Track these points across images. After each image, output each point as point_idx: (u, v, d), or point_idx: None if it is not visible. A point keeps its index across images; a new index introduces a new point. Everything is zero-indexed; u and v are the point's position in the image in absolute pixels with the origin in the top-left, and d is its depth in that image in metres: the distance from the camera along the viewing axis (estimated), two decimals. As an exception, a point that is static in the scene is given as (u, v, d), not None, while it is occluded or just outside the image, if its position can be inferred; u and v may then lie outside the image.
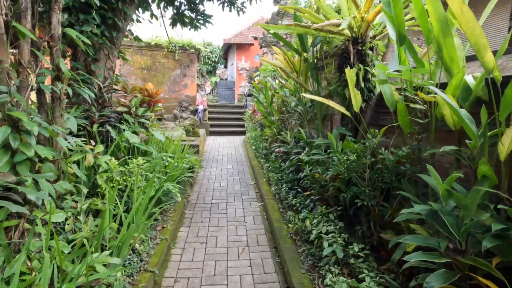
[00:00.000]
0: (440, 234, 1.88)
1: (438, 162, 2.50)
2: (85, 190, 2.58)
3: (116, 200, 2.74)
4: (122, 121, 4.15)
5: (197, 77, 13.68)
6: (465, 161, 2.12)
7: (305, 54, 4.26)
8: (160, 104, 9.73)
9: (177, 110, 10.97)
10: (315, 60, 4.12)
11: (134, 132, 4.20)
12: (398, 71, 2.47)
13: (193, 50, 11.69)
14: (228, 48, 21.69)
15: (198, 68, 14.24)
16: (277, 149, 5.18)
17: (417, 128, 2.47)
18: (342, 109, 2.81)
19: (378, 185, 2.61)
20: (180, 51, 11.63)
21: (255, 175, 5.74)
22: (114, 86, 4.61)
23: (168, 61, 11.71)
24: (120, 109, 4.19)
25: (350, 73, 2.67)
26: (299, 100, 4.61)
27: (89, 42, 2.82)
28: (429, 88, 2.39)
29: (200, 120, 11.08)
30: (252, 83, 13.56)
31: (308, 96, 3.04)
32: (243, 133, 11.69)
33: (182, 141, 6.86)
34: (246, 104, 13.00)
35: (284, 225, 3.38)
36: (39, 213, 1.96)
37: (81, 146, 2.64)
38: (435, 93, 2.20)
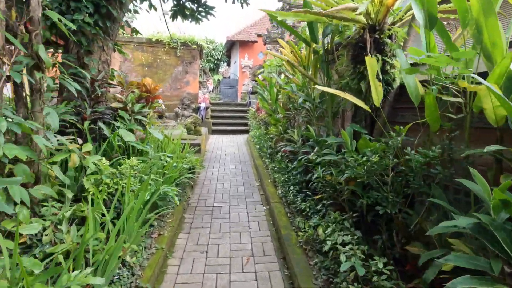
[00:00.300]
0: (487, 252, 1.56)
1: (472, 165, 2.17)
2: (69, 195, 2.28)
3: (106, 206, 2.44)
4: (117, 118, 3.86)
5: (200, 74, 13.40)
6: (510, 164, 1.79)
7: (314, 45, 3.93)
8: (160, 101, 9.44)
9: (178, 108, 10.69)
10: (325, 52, 3.79)
11: (130, 130, 3.90)
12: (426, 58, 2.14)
13: (195, 47, 11.39)
14: (231, 46, 21.38)
15: (201, 66, 13.96)
16: (283, 149, 4.86)
17: (449, 125, 2.13)
18: (360, 103, 2.48)
19: (401, 190, 2.28)
20: (182, 47, 11.34)
21: (259, 175, 5.43)
22: (110, 81, 4.31)
23: (169, 57, 11.42)
24: (115, 105, 3.89)
25: (370, 62, 2.35)
26: (308, 96, 4.29)
27: (73, 26, 2.52)
28: (463, 78, 2.07)
29: (202, 118, 10.78)
30: (256, 80, 13.25)
31: (321, 88, 2.72)
32: (246, 131, 11.38)
33: (183, 140, 6.56)
34: (250, 102, 12.68)
35: (293, 233, 3.06)
36: (8, 224, 1.66)
37: (64, 145, 2.33)
38: (477, 83, 1.88)
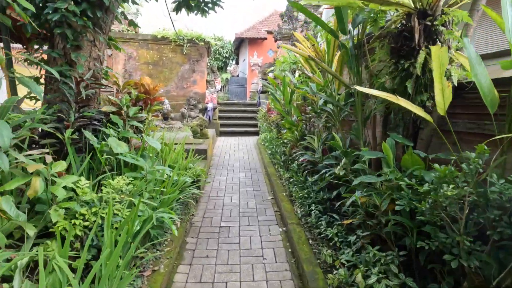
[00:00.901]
0: None
1: None
2: (31, 232, 1.72)
3: (82, 243, 1.88)
4: (109, 125, 3.31)
5: (207, 73, 12.85)
6: None
7: (342, 37, 3.30)
8: (166, 101, 8.90)
9: (185, 108, 10.16)
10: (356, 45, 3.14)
11: (124, 139, 3.35)
12: None
13: (202, 44, 10.83)
14: (240, 44, 20.78)
15: (208, 64, 13.41)
16: (301, 158, 4.25)
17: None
18: (419, 111, 1.85)
19: (477, 230, 1.65)
20: (188, 44, 10.79)
21: (272, 187, 4.83)
22: (101, 81, 3.77)
23: (176, 55, 10.89)
24: (105, 108, 3.34)
25: (439, 53, 1.71)
26: (330, 97, 3.65)
27: (54, 16, 1.96)
28: None
29: (209, 119, 10.23)
30: (267, 79, 12.63)
31: (365, 90, 2.09)
32: (256, 133, 10.78)
33: (187, 145, 6.00)
34: (259, 102, 12.07)
35: (319, 270, 2.45)
36: None
37: (20, 164, 1.77)
38: None
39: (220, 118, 11.33)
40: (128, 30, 10.53)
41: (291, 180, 4.37)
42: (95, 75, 3.57)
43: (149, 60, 10.71)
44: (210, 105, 10.24)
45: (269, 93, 11.23)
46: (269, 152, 6.68)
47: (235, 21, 39.79)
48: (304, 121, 5.16)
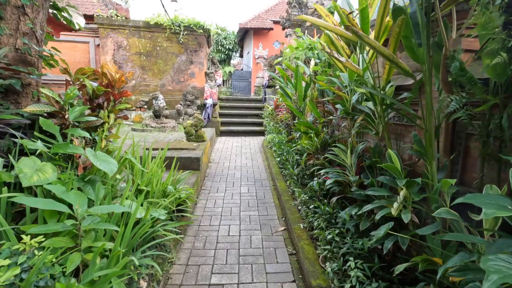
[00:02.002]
0: None
1: None
2: None
3: None
4: (40, 134, 2.15)
5: (208, 66, 11.63)
6: None
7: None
8: (160, 97, 7.72)
9: (180, 104, 8.98)
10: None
11: (64, 156, 2.20)
12: None
13: (201, 31, 9.59)
14: (244, 35, 19.48)
15: (210, 56, 12.18)
16: (324, 176, 3.05)
17: None
18: None
19: None
20: (185, 32, 9.57)
21: (284, 212, 3.65)
22: (44, 69, 2.62)
23: (171, 44, 9.68)
24: (30, 109, 2.17)
25: None
26: (373, 89, 2.44)
27: None
28: None
29: (208, 117, 9.04)
30: (276, 70, 11.38)
31: None
32: (261, 133, 9.58)
33: (177, 151, 4.83)
34: (265, 97, 10.84)
35: None
36: None
37: None
38: None
39: (221, 115, 10.14)
40: (117, 16, 9.34)
41: (311, 206, 3.17)
42: (22, 58, 2.40)
43: (141, 50, 9.52)
44: (209, 101, 9.04)
45: (277, 87, 9.98)
46: (278, 159, 5.48)
47: (239, 11, 38.18)
48: (325, 124, 3.95)
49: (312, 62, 4.97)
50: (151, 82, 9.74)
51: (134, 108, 9.44)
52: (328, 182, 2.74)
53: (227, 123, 9.80)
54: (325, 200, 3.09)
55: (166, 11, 5.67)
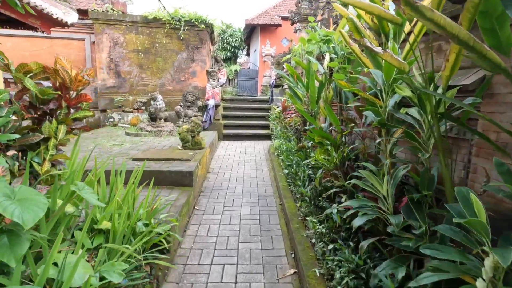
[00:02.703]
0: None
1: None
2: None
3: None
4: None
5: (212, 64, 10.94)
6: None
7: None
8: (158, 98, 7.06)
9: (180, 106, 8.29)
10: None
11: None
12: None
13: (203, 27, 8.87)
14: (251, 32, 18.72)
15: (214, 54, 11.47)
16: (344, 204, 2.27)
17: None
18: None
19: None
20: (186, 27, 8.86)
21: (294, 247, 2.89)
22: None
23: (171, 41, 9.00)
24: None
25: None
26: (424, 86, 1.66)
27: None
28: None
29: (210, 119, 8.32)
30: (283, 69, 10.60)
31: None
32: (267, 137, 8.81)
33: (167, 162, 4.10)
34: (272, 98, 10.07)
35: None
36: None
37: None
38: None
39: (224, 117, 9.41)
40: (113, 10, 8.69)
41: (330, 246, 2.40)
42: None
43: (138, 47, 8.85)
44: (211, 102, 8.32)
45: (285, 87, 9.21)
46: (286, 171, 4.71)
47: (246, 7, 37.29)
48: (342, 134, 3.17)
49: (327, 57, 4.18)
50: (149, 82, 9.08)
51: (131, 109, 8.81)
52: (357, 223, 1.96)
53: (231, 126, 9.07)
54: (350, 241, 2.31)
55: (162, 4, 5.01)
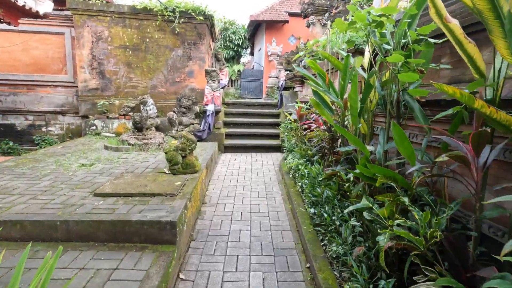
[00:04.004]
0: None
1: None
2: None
3: None
4: None
5: (212, 62, 9.66)
6: None
7: None
8: (149, 102, 5.93)
9: (174, 112, 7.00)
10: None
11: None
12: None
13: (201, 18, 7.58)
14: (255, 30, 17.42)
15: (215, 51, 10.18)
16: None
17: None
18: None
19: None
20: (182, 19, 7.57)
21: None
22: None
23: (164, 36, 7.71)
24: None
25: None
26: None
27: None
28: None
29: (209, 127, 7.01)
30: (289, 70, 9.29)
31: None
32: (277, 148, 7.47)
33: (141, 199, 2.77)
34: (281, 102, 8.74)
35: None
36: None
37: None
38: None
39: (226, 125, 8.09)
40: (96, 0, 7.42)
41: None
42: None
43: (126, 42, 7.57)
44: (210, 108, 7.00)
45: (296, 89, 7.88)
46: (312, 210, 3.37)
47: (250, 4, 35.84)
48: (431, 177, 1.85)
49: (368, 50, 2.85)
50: (139, 83, 7.79)
51: (117, 115, 7.52)
52: None
53: (234, 135, 7.74)
54: None
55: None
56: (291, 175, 4.85)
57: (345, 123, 3.53)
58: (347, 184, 2.89)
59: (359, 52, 3.99)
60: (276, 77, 15.72)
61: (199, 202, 3.82)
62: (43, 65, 7.92)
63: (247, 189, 4.73)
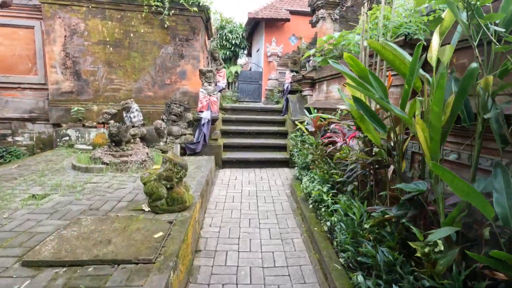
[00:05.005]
0: None
1: None
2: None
3: None
4: None
5: (207, 62, 8.58)
6: None
7: None
8: (133, 108, 4.87)
9: (162, 120, 5.88)
10: None
11: None
12: None
13: (195, 10, 6.49)
14: (253, 29, 16.38)
15: (212, 49, 9.09)
16: None
17: None
18: None
19: None
20: (172, 11, 6.47)
21: None
22: None
23: (151, 30, 6.59)
24: None
25: None
26: None
27: None
28: None
29: (204, 139, 5.89)
30: (298, 71, 8.23)
31: None
32: (285, 163, 6.35)
33: (96, 277, 1.64)
34: (286, 107, 7.66)
35: None
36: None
37: None
38: None
39: (224, 134, 6.97)
40: (70, -13, 6.28)
41: None
42: None
43: (106, 37, 6.43)
44: (205, 115, 5.88)
45: (304, 93, 6.87)
46: (360, 279, 2.28)
47: (248, 2, 34.72)
48: None
49: (436, 39, 1.79)
50: (121, 85, 6.64)
51: (95, 124, 6.36)
52: None
53: (233, 147, 6.62)
54: None
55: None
56: (310, 205, 3.76)
57: (393, 144, 2.48)
58: (426, 249, 1.80)
59: (409, 44, 2.93)
60: (276, 79, 14.66)
61: (190, 255, 2.70)
62: (9, 64, 6.72)
63: (255, 225, 3.62)
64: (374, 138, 2.56)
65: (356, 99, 2.45)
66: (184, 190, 3.02)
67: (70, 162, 4.68)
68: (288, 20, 14.48)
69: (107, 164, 4.33)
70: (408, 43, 2.87)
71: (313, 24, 10.12)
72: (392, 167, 2.52)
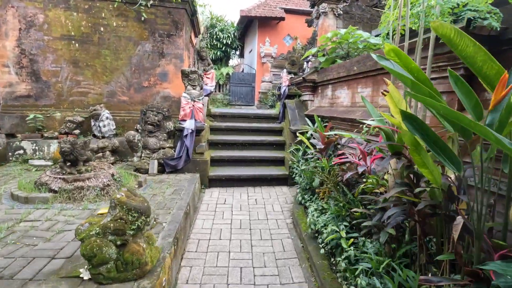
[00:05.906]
0: None
1: None
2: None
3: None
4: None
5: (194, 62, 7.64)
6: None
7: None
8: (104, 114, 4.13)
9: (137, 130, 4.90)
10: None
11: None
12: None
13: (178, 0, 5.54)
14: (246, 28, 15.48)
15: (202, 47, 8.14)
16: None
17: None
18: None
19: None
20: (150, 1, 5.51)
21: None
22: None
23: (126, 23, 5.61)
24: None
25: None
26: None
27: None
28: None
29: (187, 153, 4.92)
30: (292, 72, 7.35)
31: None
32: (283, 180, 5.41)
33: None
34: (283, 114, 6.75)
35: None
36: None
37: None
38: None
39: (212, 146, 6.01)
40: (26, -30, 5.25)
41: None
42: None
43: (71, 31, 5.42)
44: (188, 125, 4.90)
45: (304, 98, 6.01)
46: None
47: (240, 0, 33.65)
48: None
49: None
50: (90, 88, 5.63)
51: (56, 134, 5.33)
52: None
53: (222, 161, 5.66)
54: None
55: None
56: (321, 248, 2.85)
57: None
58: None
59: (473, 35, 2.06)
60: (270, 82, 13.79)
61: None
62: (-45, 63, 5.64)
63: (248, 279, 2.68)
64: (433, 176, 1.66)
65: (408, 117, 1.54)
66: (144, 245, 2.06)
67: (10, 189, 3.66)
68: (282, 19, 13.62)
69: (55, 191, 3.33)
70: (472, 32, 1.99)
71: (310, 23, 9.25)
72: (460, 220, 1.63)
